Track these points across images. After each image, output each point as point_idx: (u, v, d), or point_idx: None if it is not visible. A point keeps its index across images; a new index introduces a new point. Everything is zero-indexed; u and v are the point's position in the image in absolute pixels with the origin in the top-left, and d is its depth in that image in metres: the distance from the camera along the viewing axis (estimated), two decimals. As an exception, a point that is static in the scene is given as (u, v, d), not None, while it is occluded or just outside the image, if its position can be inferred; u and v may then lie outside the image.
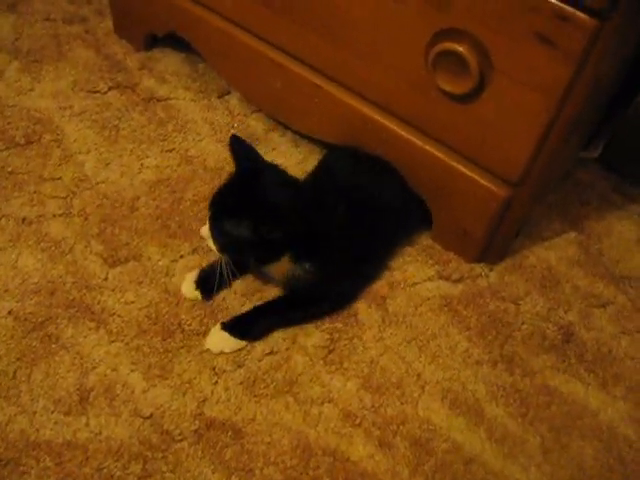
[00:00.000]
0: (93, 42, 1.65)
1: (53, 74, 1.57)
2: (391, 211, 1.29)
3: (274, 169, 1.16)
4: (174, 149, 1.46)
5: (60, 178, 1.38)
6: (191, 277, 1.23)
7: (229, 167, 1.25)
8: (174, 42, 1.61)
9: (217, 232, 1.12)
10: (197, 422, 1.09)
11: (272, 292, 1.26)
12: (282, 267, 1.16)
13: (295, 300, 1.23)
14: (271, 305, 1.22)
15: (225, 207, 1.11)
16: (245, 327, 1.19)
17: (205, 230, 1.14)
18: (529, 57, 1.01)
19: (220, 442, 1.07)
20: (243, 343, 1.18)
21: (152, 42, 1.64)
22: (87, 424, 1.07)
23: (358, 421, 1.12)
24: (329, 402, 1.13)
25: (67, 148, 1.43)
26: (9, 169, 1.38)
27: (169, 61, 1.64)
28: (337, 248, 1.18)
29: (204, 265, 1.26)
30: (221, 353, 1.17)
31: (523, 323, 1.27)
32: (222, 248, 1.13)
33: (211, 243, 1.13)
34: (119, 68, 1.60)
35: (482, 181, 1.19)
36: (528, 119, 1.07)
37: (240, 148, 1.14)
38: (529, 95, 1.04)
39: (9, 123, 1.46)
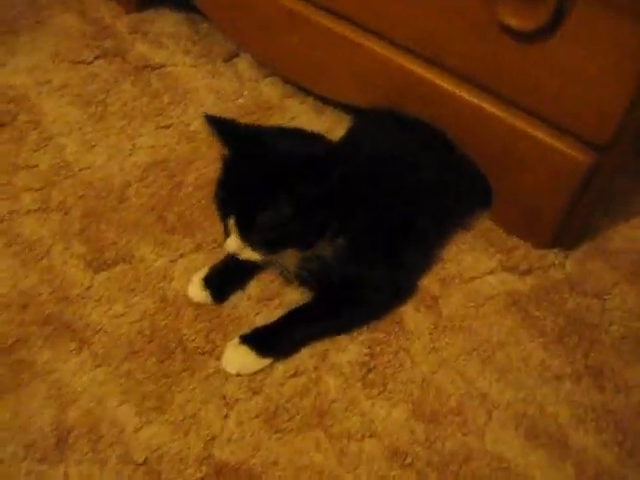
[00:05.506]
0: (76, 5, 1.59)
1: (30, 45, 1.52)
2: (439, 187, 1.18)
3: (275, 129, 1.08)
4: (172, 125, 1.39)
5: (36, 166, 1.30)
6: (199, 275, 1.14)
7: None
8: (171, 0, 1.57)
9: (251, 236, 0.98)
10: (204, 468, 0.98)
11: (294, 296, 1.14)
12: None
13: (328, 304, 1.12)
14: (301, 312, 1.10)
15: (245, 199, 0.98)
16: (270, 340, 1.08)
17: (231, 244, 1.00)
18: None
19: (234, 493, 0.97)
20: (267, 361, 1.07)
21: (145, 1, 1.57)
22: (65, 474, 0.96)
23: (409, 460, 1.00)
24: (371, 436, 1.02)
25: (45, 130, 1.36)
26: (-23, 157, 1.33)
27: (166, 22, 1.57)
28: (372, 225, 1.08)
29: (210, 265, 1.16)
30: (238, 375, 1.05)
31: (612, 324, 1.14)
32: (266, 250, 1.00)
33: (247, 255, 1.00)
34: (107, 34, 1.54)
35: (558, 145, 1.07)
36: (622, 60, 0.93)
37: (221, 124, 1.02)
38: (624, 25, 0.90)
39: (-22, 104, 1.42)
